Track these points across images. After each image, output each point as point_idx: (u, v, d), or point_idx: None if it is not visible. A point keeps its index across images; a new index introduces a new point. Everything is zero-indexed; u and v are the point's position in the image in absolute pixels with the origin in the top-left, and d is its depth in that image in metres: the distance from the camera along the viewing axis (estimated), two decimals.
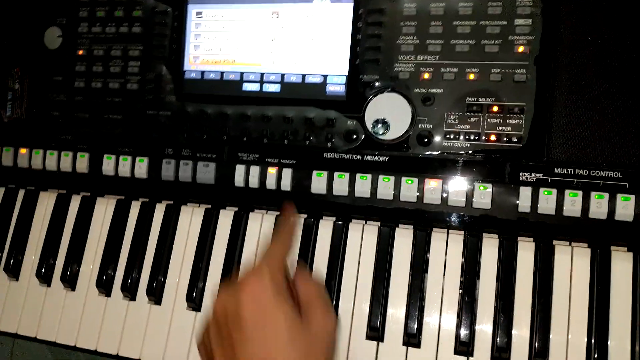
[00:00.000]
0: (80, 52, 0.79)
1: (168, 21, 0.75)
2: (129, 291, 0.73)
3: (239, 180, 0.70)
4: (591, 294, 0.60)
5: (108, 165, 0.75)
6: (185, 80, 0.73)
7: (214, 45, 0.73)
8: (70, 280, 0.76)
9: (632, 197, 0.58)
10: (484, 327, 0.62)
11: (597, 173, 0.59)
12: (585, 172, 0.59)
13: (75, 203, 0.79)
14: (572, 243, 0.63)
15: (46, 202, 0.81)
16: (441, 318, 0.63)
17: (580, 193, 0.59)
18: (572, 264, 0.62)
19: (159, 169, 0.73)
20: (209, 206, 0.74)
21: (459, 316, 0.62)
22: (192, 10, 0.74)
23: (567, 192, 0.60)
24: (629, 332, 0.58)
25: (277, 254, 0.57)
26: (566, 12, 0.61)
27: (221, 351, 0.52)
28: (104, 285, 0.74)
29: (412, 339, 0.62)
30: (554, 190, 0.60)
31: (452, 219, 0.64)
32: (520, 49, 0.61)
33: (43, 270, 0.77)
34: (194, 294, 0.70)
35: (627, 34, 0.59)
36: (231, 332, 0.51)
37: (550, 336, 0.60)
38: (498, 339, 0.60)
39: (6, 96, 0.82)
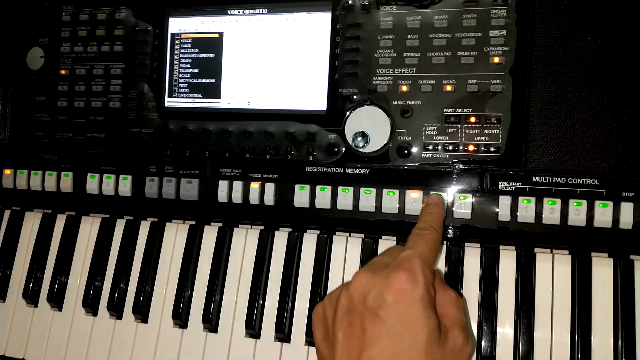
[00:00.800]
0: (63, 71, 0.79)
1: (149, 39, 0.75)
2: (116, 310, 0.73)
3: (222, 196, 0.70)
4: (573, 300, 0.61)
5: (92, 184, 0.75)
6: (167, 98, 0.74)
7: (195, 62, 0.73)
8: (56, 300, 0.76)
9: (610, 203, 0.59)
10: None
11: (575, 181, 0.60)
12: (563, 180, 0.60)
13: (60, 222, 0.79)
14: (553, 250, 0.63)
15: (32, 222, 0.81)
16: None
17: (558, 201, 0.60)
18: (553, 270, 0.62)
19: (143, 186, 0.73)
20: (194, 222, 0.74)
21: None
22: (172, 26, 0.74)
23: (545, 200, 0.60)
24: (611, 336, 0.59)
25: (430, 250, 0.54)
26: (540, 23, 0.61)
27: (345, 340, 0.49)
28: (90, 305, 0.74)
29: None
30: (533, 199, 0.61)
31: None
32: (496, 60, 0.62)
33: (29, 291, 0.77)
34: (180, 311, 0.70)
35: (602, 43, 0.60)
36: (364, 323, 0.48)
37: (534, 341, 0.60)
38: (482, 345, 0.61)
39: None
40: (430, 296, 0.50)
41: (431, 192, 0.63)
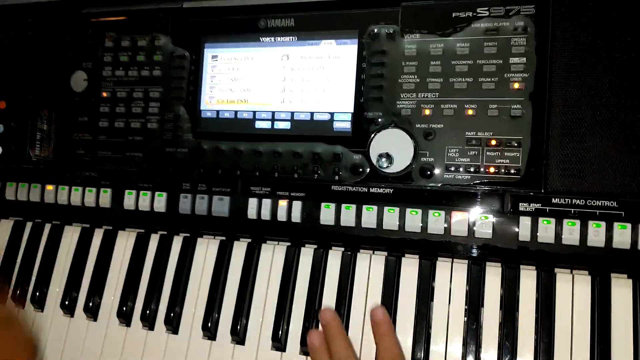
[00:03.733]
0: (105, 94, 0.84)
1: (186, 64, 0.80)
2: (148, 321, 0.76)
3: (251, 213, 0.73)
4: (593, 321, 0.62)
5: (129, 200, 0.79)
6: (202, 119, 0.78)
7: (228, 86, 0.78)
8: (92, 311, 0.79)
9: (629, 225, 0.60)
10: (489, 354, 0.63)
11: (594, 202, 0.61)
12: (582, 202, 0.62)
13: (98, 236, 0.83)
14: (573, 271, 0.64)
15: (71, 236, 0.85)
16: (447, 345, 0.65)
17: (578, 222, 0.62)
18: (573, 291, 0.63)
19: (177, 203, 0.77)
20: (224, 238, 0.77)
21: (464, 344, 0.64)
22: (208, 53, 0.79)
23: (565, 221, 0.62)
24: (631, 356, 0.60)
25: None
26: (558, 50, 0.64)
27: None
28: (124, 316, 0.77)
29: None
30: (553, 220, 0.62)
31: (456, 249, 0.66)
32: (516, 85, 0.64)
33: (67, 302, 0.81)
34: (210, 324, 0.73)
35: (618, 68, 0.62)
36: None
37: None
38: None
39: (35, 136, 0.88)
40: None
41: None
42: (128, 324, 0.78)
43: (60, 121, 0.86)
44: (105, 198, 0.81)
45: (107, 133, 0.83)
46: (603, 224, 0.61)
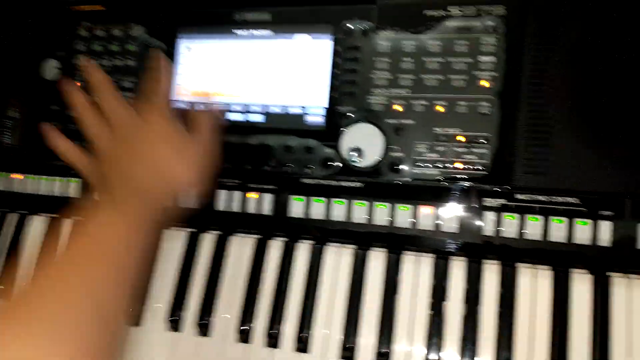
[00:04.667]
0: (77, 83, 0.83)
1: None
2: None
3: (221, 205, 0.73)
4: (553, 315, 0.63)
5: None
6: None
7: (202, 78, 0.78)
8: None
9: (590, 221, 0.62)
10: (452, 346, 0.64)
11: (557, 199, 0.63)
12: (546, 198, 0.63)
13: (67, 227, 0.82)
14: (536, 266, 0.66)
15: (39, 225, 0.84)
16: (412, 338, 0.65)
17: (541, 218, 0.63)
18: (534, 285, 0.65)
19: None
20: (193, 230, 0.77)
21: (429, 336, 0.65)
22: (182, 45, 0.79)
23: (528, 216, 0.63)
24: (587, 351, 0.61)
25: (164, 96, 0.69)
26: (527, 49, 0.65)
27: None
28: None
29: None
30: (517, 215, 0.64)
31: (422, 243, 0.67)
32: (485, 83, 0.66)
33: None
34: (175, 315, 0.72)
35: (585, 70, 0.64)
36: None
37: (514, 355, 0.62)
38: (464, 359, 0.63)
39: (4, 124, 0.86)
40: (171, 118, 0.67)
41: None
42: None
43: (31, 109, 0.85)
44: (75, 188, 0.80)
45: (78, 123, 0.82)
46: (565, 220, 0.62)
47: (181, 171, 0.65)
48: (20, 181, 0.84)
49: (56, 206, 0.82)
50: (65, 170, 0.81)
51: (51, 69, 0.85)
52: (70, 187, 0.81)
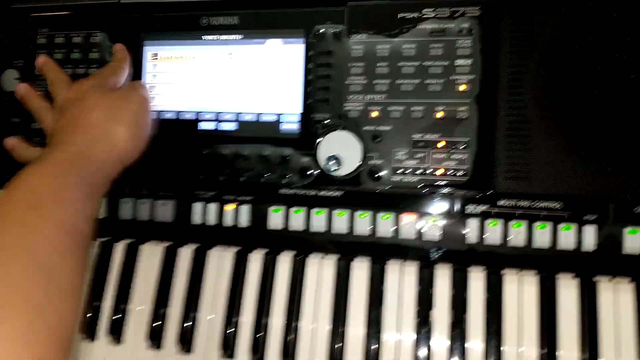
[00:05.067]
0: (38, 93, 0.79)
1: None
2: (89, 332, 0.73)
3: (196, 218, 0.71)
4: (540, 321, 0.63)
5: None
6: None
7: (170, 86, 0.74)
8: None
9: (573, 226, 0.61)
10: (439, 355, 0.63)
11: (539, 204, 0.62)
12: (528, 204, 0.62)
13: None
14: (521, 271, 0.65)
15: None
16: (399, 347, 0.64)
17: (524, 223, 0.62)
18: (520, 292, 0.64)
19: (117, 208, 0.74)
20: (169, 244, 0.75)
21: (415, 346, 0.64)
22: (148, 52, 0.75)
23: (511, 223, 0.62)
24: (576, 356, 0.61)
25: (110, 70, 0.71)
26: (504, 51, 0.64)
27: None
28: None
29: None
30: (500, 221, 0.63)
31: (406, 251, 0.66)
32: (462, 87, 0.64)
33: None
34: (156, 332, 0.70)
35: (564, 73, 0.63)
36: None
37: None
38: None
39: None
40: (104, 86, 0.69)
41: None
42: None
43: None
44: None
45: (40, 135, 0.78)
46: (548, 225, 0.62)
47: (118, 132, 0.64)
48: None
49: None
50: None
51: (10, 79, 0.81)
52: None
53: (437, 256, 0.65)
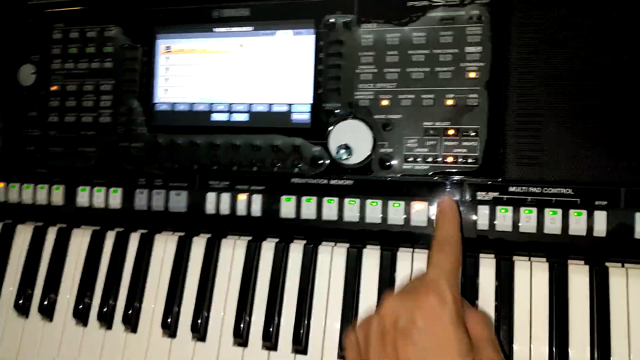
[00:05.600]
0: (54, 87, 0.81)
1: (138, 56, 0.77)
2: (105, 320, 0.74)
3: (210, 208, 0.72)
4: (551, 307, 0.63)
5: (82, 197, 0.77)
6: (156, 113, 0.76)
7: (182, 78, 0.75)
8: (47, 311, 0.77)
9: (584, 212, 0.61)
10: None
11: (550, 190, 0.62)
12: (539, 190, 0.62)
13: (51, 235, 0.81)
14: (531, 258, 0.65)
15: (23, 235, 0.82)
16: None
17: (534, 210, 0.62)
18: (531, 278, 0.64)
19: (133, 199, 0.75)
20: (183, 234, 0.76)
21: None
22: (161, 44, 0.77)
23: (522, 209, 0.62)
24: (588, 341, 0.61)
25: (453, 265, 0.55)
26: (514, 38, 0.64)
27: (380, 357, 0.51)
28: (81, 316, 0.75)
29: None
30: (510, 208, 0.63)
31: (416, 239, 0.66)
32: (472, 74, 0.64)
33: (21, 302, 0.78)
34: (169, 321, 0.71)
35: (575, 58, 0.62)
36: (397, 345, 0.50)
37: (514, 347, 0.62)
38: None
39: None
40: (460, 315, 0.51)
41: (443, 197, 0.64)
42: (85, 324, 0.76)
43: (8, 117, 0.83)
44: (58, 195, 0.79)
45: (57, 128, 0.80)
46: (559, 211, 0.61)
47: None
48: (3, 190, 0.82)
49: (42, 214, 0.80)
50: (48, 177, 0.79)
51: (27, 74, 0.82)
52: (53, 195, 0.79)
53: None
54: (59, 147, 0.79)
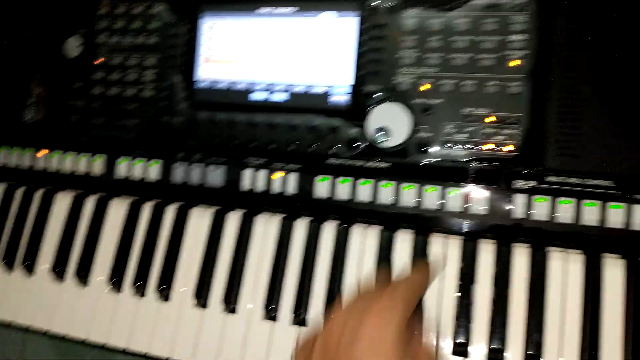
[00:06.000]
0: (99, 60, 0.83)
1: (182, 33, 0.78)
2: (139, 288, 0.76)
3: (245, 184, 0.73)
4: (584, 300, 0.62)
5: (122, 167, 0.79)
6: (197, 89, 0.77)
7: (224, 56, 0.77)
8: (83, 277, 0.79)
9: (624, 205, 0.60)
10: (481, 330, 0.64)
11: (589, 181, 0.62)
12: (578, 181, 0.62)
13: (90, 203, 0.83)
14: (566, 249, 0.65)
15: (62, 202, 0.84)
16: (439, 322, 0.65)
17: (573, 201, 0.62)
18: (565, 270, 0.64)
19: (170, 172, 0.76)
20: (219, 207, 0.77)
21: (457, 318, 0.64)
22: (205, 23, 0.78)
23: (560, 199, 0.62)
24: (620, 337, 0.60)
25: (413, 294, 0.56)
26: (560, 28, 0.63)
27: None
28: (115, 282, 0.77)
29: None
30: (548, 198, 0.63)
31: (450, 224, 0.66)
32: (515, 62, 0.64)
33: (58, 267, 0.80)
34: (202, 292, 0.73)
35: (621, 48, 0.62)
36: (339, 357, 0.50)
37: (544, 340, 0.62)
38: (493, 342, 0.62)
39: (27, 102, 0.86)
40: (404, 332, 0.51)
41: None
42: (119, 291, 0.77)
43: (54, 87, 0.85)
44: (98, 165, 0.81)
45: (101, 100, 0.82)
46: (598, 203, 0.61)
47: None
48: (45, 157, 0.84)
49: (81, 182, 0.82)
50: (89, 147, 0.81)
51: (73, 47, 0.84)
52: (95, 164, 0.81)
53: (481, 230, 0.65)
54: (102, 118, 0.81)
